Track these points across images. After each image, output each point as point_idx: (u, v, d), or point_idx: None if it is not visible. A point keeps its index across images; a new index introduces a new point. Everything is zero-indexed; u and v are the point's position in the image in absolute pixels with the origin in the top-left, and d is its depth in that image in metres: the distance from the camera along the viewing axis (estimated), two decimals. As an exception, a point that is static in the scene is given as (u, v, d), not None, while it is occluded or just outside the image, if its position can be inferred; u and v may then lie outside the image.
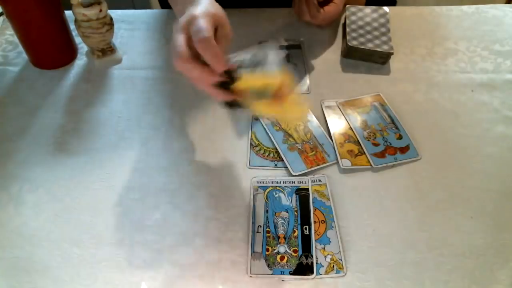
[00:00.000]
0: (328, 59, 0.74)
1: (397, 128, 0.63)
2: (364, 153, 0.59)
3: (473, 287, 0.48)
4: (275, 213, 0.54)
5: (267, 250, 0.50)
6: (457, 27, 0.79)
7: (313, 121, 0.64)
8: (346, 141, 0.61)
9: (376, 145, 0.60)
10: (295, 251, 0.50)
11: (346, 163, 0.58)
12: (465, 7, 0.83)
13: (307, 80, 0.70)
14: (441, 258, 0.50)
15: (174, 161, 0.60)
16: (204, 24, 0.44)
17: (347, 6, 0.77)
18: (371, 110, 0.65)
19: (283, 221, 0.53)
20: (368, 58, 0.72)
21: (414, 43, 0.76)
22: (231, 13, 0.80)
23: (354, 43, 0.70)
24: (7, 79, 0.71)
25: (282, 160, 0.59)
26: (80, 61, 0.74)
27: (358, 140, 0.61)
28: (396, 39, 0.75)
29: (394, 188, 0.56)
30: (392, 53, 0.70)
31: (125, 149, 0.61)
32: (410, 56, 0.74)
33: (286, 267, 0.49)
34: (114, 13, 0.79)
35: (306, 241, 0.51)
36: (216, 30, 0.47)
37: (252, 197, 0.55)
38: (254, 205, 0.54)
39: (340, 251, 0.50)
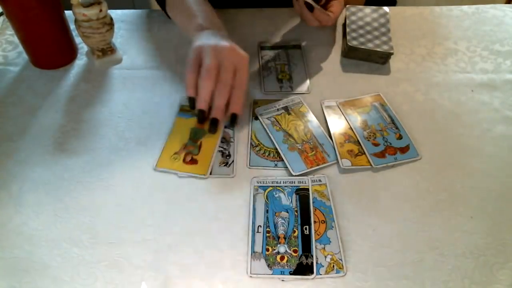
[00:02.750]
0: (328, 59, 0.74)
1: (397, 128, 0.63)
2: (364, 153, 0.59)
3: (473, 287, 0.48)
4: (275, 213, 0.54)
5: (267, 250, 0.50)
6: (457, 27, 0.79)
7: (313, 121, 0.64)
8: (346, 141, 0.61)
9: (376, 145, 0.60)
10: (295, 251, 0.50)
11: (346, 163, 0.58)
12: (465, 7, 0.83)
13: (307, 80, 0.70)
14: (441, 258, 0.50)
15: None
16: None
17: (347, 6, 0.77)
18: (371, 110, 0.65)
19: (283, 221, 0.53)
20: (368, 58, 0.72)
21: (414, 43, 0.76)
22: (231, 13, 0.80)
23: (354, 43, 0.70)
24: (7, 79, 0.71)
25: (282, 160, 0.59)
26: (80, 61, 0.74)
27: (358, 140, 0.61)
28: (396, 39, 0.75)
29: (394, 188, 0.56)
30: (392, 53, 0.70)
31: (125, 149, 0.61)
32: (410, 56, 0.74)
33: (286, 267, 0.49)
34: (114, 13, 0.79)
35: (306, 241, 0.51)
36: None
37: (252, 197, 0.55)
38: (254, 205, 0.54)
39: (340, 251, 0.50)
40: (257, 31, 0.78)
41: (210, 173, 0.58)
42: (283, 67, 0.72)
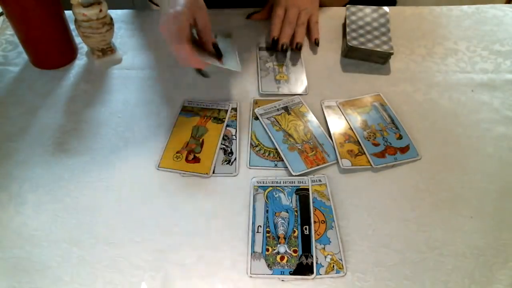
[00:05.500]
0: (328, 59, 0.74)
1: (397, 128, 0.63)
2: (364, 153, 0.59)
3: (473, 287, 0.48)
4: (275, 213, 0.54)
5: (267, 250, 0.50)
6: (457, 27, 0.79)
7: (313, 121, 0.64)
8: (346, 141, 0.61)
9: (376, 145, 0.60)
10: (295, 251, 0.50)
11: (346, 163, 0.58)
12: (465, 7, 0.83)
13: (304, 81, 0.70)
14: (441, 258, 0.50)
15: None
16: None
17: (347, 6, 0.77)
18: (371, 110, 0.65)
19: (283, 221, 0.53)
20: (368, 58, 0.72)
21: (414, 43, 0.76)
22: (229, 13, 0.80)
23: (354, 43, 0.70)
24: (7, 79, 0.71)
25: (282, 160, 0.59)
26: (80, 61, 0.74)
27: (358, 140, 0.61)
28: (396, 39, 0.75)
29: (394, 188, 0.56)
30: (392, 53, 0.70)
31: (125, 149, 0.61)
32: (410, 56, 0.74)
33: (286, 267, 0.49)
34: (114, 13, 0.79)
35: (306, 241, 0.51)
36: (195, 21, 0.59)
37: (252, 197, 0.55)
38: (254, 205, 0.54)
39: (340, 251, 0.50)
40: (255, 31, 0.78)
41: (213, 172, 0.58)
42: (281, 68, 0.72)
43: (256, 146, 0.61)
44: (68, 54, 0.73)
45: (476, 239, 0.51)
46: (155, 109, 0.66)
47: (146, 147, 0.61)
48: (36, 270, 0.49)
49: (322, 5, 0.80)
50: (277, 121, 0.64)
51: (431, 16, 0.81)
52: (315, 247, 0.50)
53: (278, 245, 0.51)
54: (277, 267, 0.49)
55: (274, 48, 0.74)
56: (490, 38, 0.77)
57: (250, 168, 0.59)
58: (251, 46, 0.76)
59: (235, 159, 0.59)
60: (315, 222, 0.53)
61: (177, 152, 0.60)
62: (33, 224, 0.53)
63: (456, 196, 0.55)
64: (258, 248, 0.51)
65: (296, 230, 0.52)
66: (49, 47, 0.70)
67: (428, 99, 0.67)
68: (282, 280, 0.48)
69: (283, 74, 0.71)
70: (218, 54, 0.61)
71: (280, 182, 0.57)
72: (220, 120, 0.64)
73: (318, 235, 0.52)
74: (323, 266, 0.49)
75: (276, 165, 0.59)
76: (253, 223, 0.53)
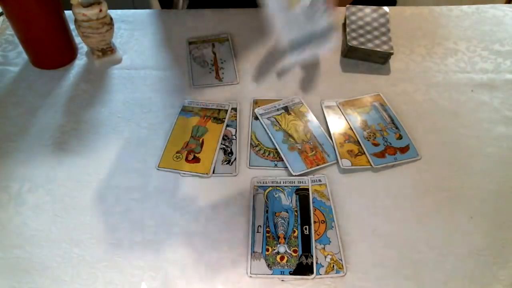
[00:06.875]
0: (328, 59, 0.74)
1: (397, 128, 0.63)
2: (364, 153, 0.59)
3: (473, 287, 0.48)
4: (275, 213, 0.54)
5: (267, 250, 0.50)
6: (457, 27, 0.79)
7: (313, 121, 0.64)
8: (346, 141, 0.61)
9: (376, 145, 0.60)
10: (295, 251, 0.50)
11: (346, 163, 0.58)
12: (465, 7, 0.83)
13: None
14: (441, 258, 0.50)
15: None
16: None
17: (347, 6, 0.77)
18: (371, 110, 0.65)
19: (283, 221, 0.53)
20: (368, 58, 0.72)
21: (414, 43, 0.76)
22: (235, 13, 0.80)
23: (354, 43, 0.70)
24: (7, 79, 0.71)
25: (282, 160, 0.59)
26: (80, 61, 0.74)
27: (358, 140, 0.61)
28: (396, 39, 0.75)
29: (394, 188, 0.56)
30: (392, 53, 0.70)
31: (125, 149, 0.61)
32: (410, 56, 0.74)
33: (286, 267, 0.49)
34: (114, 13, 0.79)
35: (306, 241, 0.51)
36: None
37: (252, 197, 0.55)
38: (254, 205, 0.54)
39: (340, 251, 0.50)
40: (256, 31, 0.78)
41: (213, 172, 0.58)
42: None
43: (256, 146, 0.61)
44: (68, 54, 0.73)
45: (476, 239, 0.51)
46: (155, 109, 0.66)
47: (146, 147, 0.61)
48: (36, 270, 0.50)
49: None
50: (277, 121, 0.64)
51: (431, 16, 0.81)
52: (315, 247, 0.50)
53: (278, 245, 0.51)
54: (277, 267, 0.49)
55: None
56: (490, 38, 0.77)
57: (250, 168, 0.59)
58: (251, 46, 0.76)
59: (235, 159, 0.59)
60: (315, 222, 0.53)
61: (177, 152, 0.60)
62: (33, 224, 0.53)
63: (456, 196, 0.55)
64: (258, 248, 0.51)
65: (296, 230, 0.52)
66: (49, 47, 0.70)
67: (428, 99, 0.67)
68: (282, 280, 0.48)
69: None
70: None
71: (280, 182, 0.57)
72: (220, 120, 0.64)
73: (318, 235, 0.52)
74: (323, 266, 0.49)
75: (276, 165, 0.59)
76: (253, 223, 0.53)
